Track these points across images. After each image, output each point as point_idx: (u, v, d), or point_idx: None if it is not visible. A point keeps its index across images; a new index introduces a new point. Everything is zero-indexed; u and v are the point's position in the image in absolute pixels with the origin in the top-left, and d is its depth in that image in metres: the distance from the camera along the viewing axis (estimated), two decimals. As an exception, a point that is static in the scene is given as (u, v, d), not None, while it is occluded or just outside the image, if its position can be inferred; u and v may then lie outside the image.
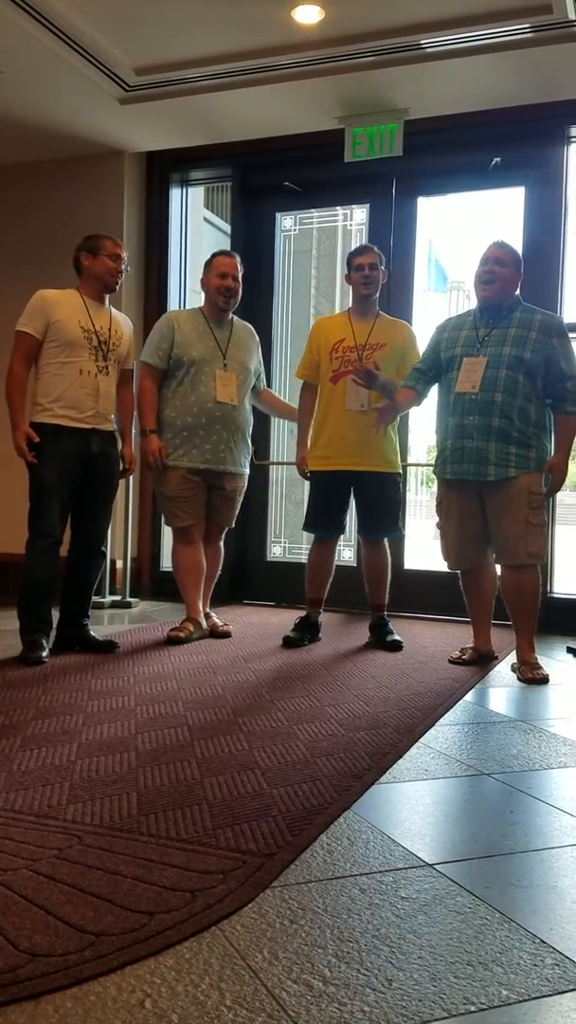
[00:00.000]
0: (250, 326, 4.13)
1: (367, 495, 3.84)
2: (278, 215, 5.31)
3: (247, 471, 4.03)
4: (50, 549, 3.43)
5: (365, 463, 3.79)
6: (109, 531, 3.84)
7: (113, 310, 3.64)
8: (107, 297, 3.60)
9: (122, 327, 3.64)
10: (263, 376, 4.15)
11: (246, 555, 5.26)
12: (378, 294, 3.92)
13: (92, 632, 3.66)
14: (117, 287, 3.61)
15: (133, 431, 3.81)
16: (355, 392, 3.75)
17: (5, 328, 5.34)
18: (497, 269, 3.38)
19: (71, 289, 3.54)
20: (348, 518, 4.03)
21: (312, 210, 5.32)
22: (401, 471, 3.94)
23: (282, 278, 5.37)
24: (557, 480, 3.40)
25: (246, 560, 5.27)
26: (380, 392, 3.70)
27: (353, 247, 4.16)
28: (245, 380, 3.92)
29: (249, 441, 4.00)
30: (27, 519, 3.44)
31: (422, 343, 3.80)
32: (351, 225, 5.31)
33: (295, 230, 5.37)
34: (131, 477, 4.91)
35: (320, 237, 5.51)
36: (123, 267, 3.57)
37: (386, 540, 3.93)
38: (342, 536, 4.08)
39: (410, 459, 5.13)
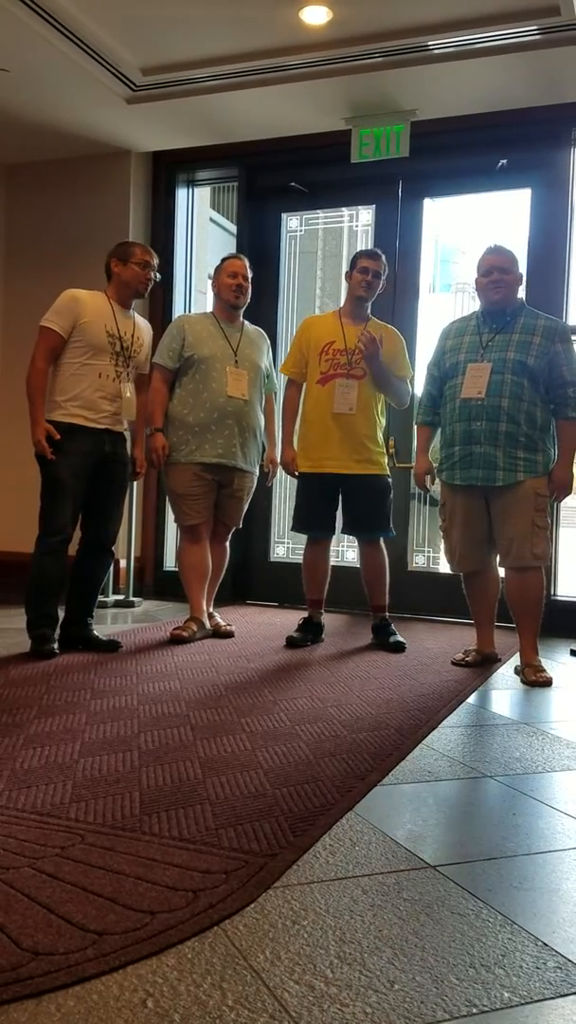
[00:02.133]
0: (261, 330, 4.15)
1: (356, 497, 3.84)
2: (284, 216, 5.31)
3: (256, 471, 4.03)
4: (59, 547, 3.43)
5: (353, 466, 3.79)
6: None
7: (137, 316, 3.67)
8: (132, 303, 3.62)
9: (144, 334, 3.68)
10: (274, 379, 4.16)
11: (249, 555, 5.26)
12: (371, 301, 3.92)
13: (95, 631, 3.67)
14: (146, 294, 3.64)
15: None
16: (343, 395, 3.77)
17: (11, 323, 5.39)
18: (504, 277, 3.39)
19: (99, 291, 3.56)
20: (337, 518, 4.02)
21: (318, 211, 5.32)
22: (389, 473, 3.93)
23: (288, 278, 5.36)
24: (559, 489, 3.39)
25: (249, 560, 5.27)
26: (375, 374, 3.75)
27: (359, 248, 4.16)
28: (256, 378, 3.94)
29: (260, 440, 4.01)
30: (38, 516, 3.44)
31: (424, 345, 3.80)
32: (357, 226, 5.31)
33: (301, 231, 5.37)
34: (135, 480, 4.94)
35: (326, 238, 5.51)
36: (152, 274, 3.59)
37: (382, 540, 3.93)
38: (345, 537, 4.08)
39: (413, 461, 5.13)
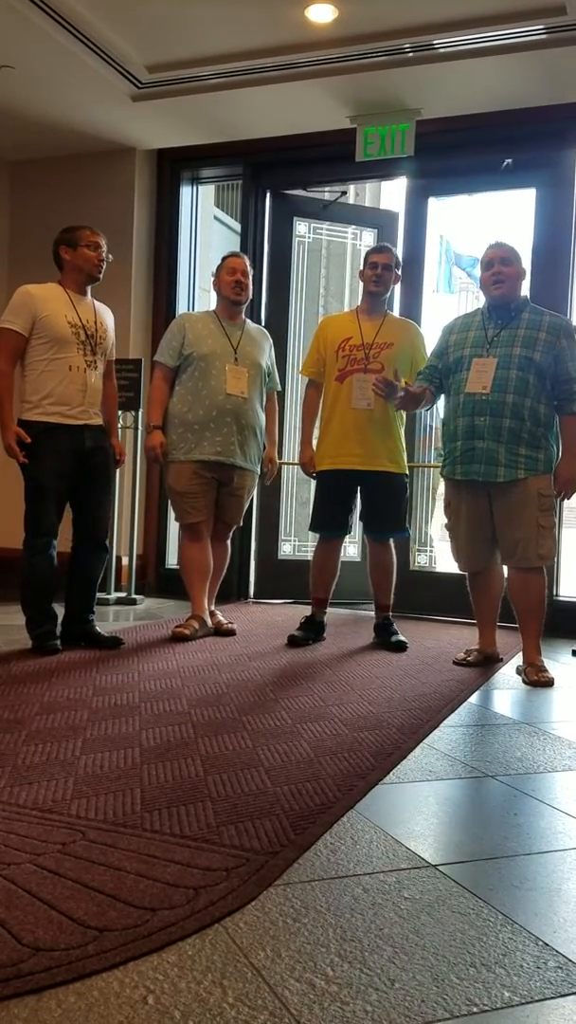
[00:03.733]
0: (264, 329, 4.15)
1: (373, 496, 3.83)
2: (294, 219, 5.29)
3: (257, 469, 4.03)
4: (47, 547, 3.44)
5: (371, 463, 3.78)
6: (115, 528, 3.84)
7: (96, 302, 3.59)
8: (89, 289, 3.56)
9: (105, 319, 3.60)
10: (276, 377, 4.15)
11: (257, 553, 5.25)
12: (387, 295, 3.92)
13: (98, 628, 3.67)
14: (101, 276, 3.55)
15: (140, 425, 3.83)
16: (361, 391, 3.75)
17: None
18: (504, 269, 3.39)
19: (52, 283, 3.49)
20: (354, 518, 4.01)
21: (324, 223, 5.33)
22: (408, 472, 3.93)
23: (295, 276, 5.35)
24: (566, 486, 3.38)
25: (257, 558, 5.26)
26: (400, 408, 3.75)
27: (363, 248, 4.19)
28: (257, 376, 3.93)
29: (260, 438, 4.00)
30: (24, 519, 3.43)
31: (430, 345, 3.79)
32: (360, 245, 5.34)
33: (309, 238, 5.36)
34: (137, 474, 4.94)
35: (330, 238, 5.51)
36: (103, 255, 3.52)
37: (392, 541, 3.92)
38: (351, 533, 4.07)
39: (415, 459, 5.12)
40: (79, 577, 3.63)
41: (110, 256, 3.60)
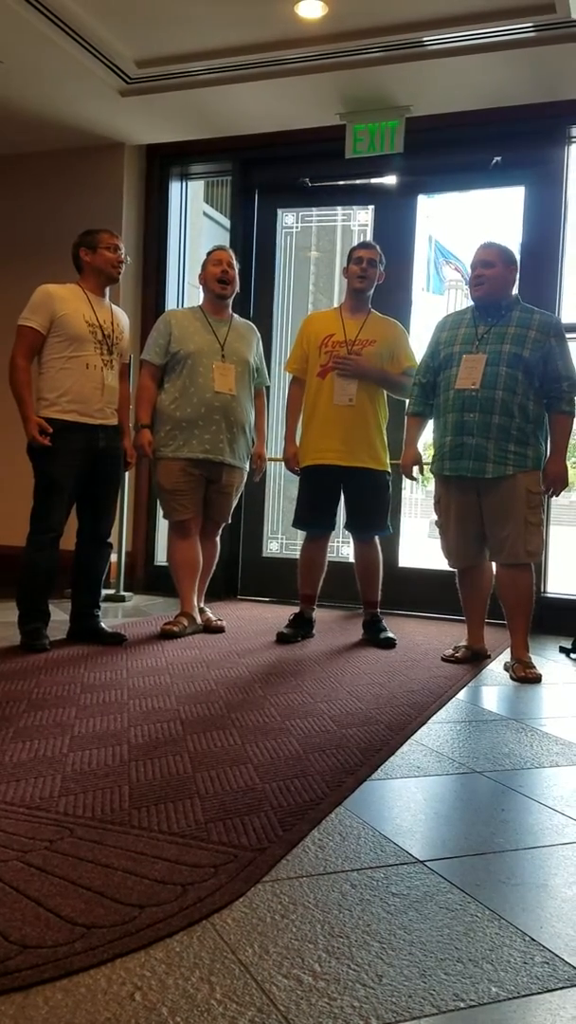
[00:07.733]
0: (251, 323, 4.14)
1: (356, 493, 3.84)
2: (279, 211, 5.29)
3: (246, 466, 4.02)
4: (51, 543, 3.45)
5: (354, 459, 3.78)
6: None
7: (113, 305, 3.65)
8: (107, 291, 3.61)
9: (121, 321, 3.66)
10: (264, 373, 4.14)
11: (243, 551, 5.25)
12: (371, 292, 3.92)
13: (103, 624, 3.68)
14: (120, 277, 3.62)
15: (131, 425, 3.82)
16: (343, 387, 3.76)
17: (3, 314, 5.37)
18: (485, 272, 3.40)
19: (72, 283, 3.54)
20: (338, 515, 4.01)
21: (312, 208, 5.31)
22: (390, 469, 3.93)
23: (282, 273, 5.35)
24: (554, 483, 3.38)
25: (243, 556, 5.25)
26: (377, 383, 3.74)
27: (354, 243, 4.17)
28: (244, 372, 3.92)
29: (248, 435, 4.00)
30: (30, 513, 3.44)
31: (418, 343, 3.80)
32: (354, 225, 5.31)
33: (297, 227, 5.35)
34: (126, 471, 4.93)
35: (320, 234, 5.50)
36: (122, 256, 3.58)
37: (377, 538, 3.92)
38: (341, 533, 4.07)
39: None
40: (84, 573, 3.64)
41: (128, 258, 3.63)
